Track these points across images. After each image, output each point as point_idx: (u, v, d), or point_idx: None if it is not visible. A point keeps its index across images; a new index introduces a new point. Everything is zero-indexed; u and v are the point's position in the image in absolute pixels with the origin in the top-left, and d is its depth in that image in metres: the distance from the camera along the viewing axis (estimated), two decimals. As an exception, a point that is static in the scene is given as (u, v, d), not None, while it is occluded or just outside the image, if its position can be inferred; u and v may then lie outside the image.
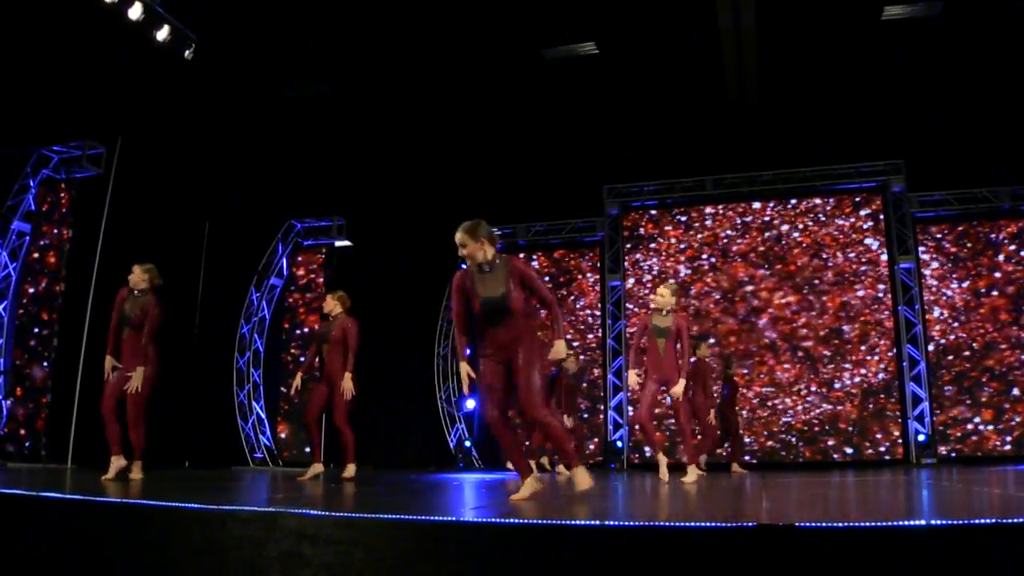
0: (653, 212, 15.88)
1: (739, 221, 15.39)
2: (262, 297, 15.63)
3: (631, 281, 15.63)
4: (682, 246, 15.53)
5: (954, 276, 14.51)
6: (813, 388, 14.49)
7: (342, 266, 15.82)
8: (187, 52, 12.66)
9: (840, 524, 2.84)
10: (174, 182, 13.76)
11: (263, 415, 15.24)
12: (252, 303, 15.59)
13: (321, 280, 15.79)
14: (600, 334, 15.60)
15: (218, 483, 7.40)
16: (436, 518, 3.24)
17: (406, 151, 15.25)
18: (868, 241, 14.86)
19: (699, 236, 15.49)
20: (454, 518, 3.26)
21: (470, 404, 15.83)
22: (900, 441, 14.10)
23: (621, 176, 15.63)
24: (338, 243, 15.80)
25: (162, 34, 12.15)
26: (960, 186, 14.47)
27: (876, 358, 14.43)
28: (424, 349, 15.66)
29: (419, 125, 14.85)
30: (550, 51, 13.37)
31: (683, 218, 15.68)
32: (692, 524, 2.90)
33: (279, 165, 15.47)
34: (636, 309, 15.37)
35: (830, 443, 14.28)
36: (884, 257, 14.80)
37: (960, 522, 2.85)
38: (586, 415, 15.21)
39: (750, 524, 2.90)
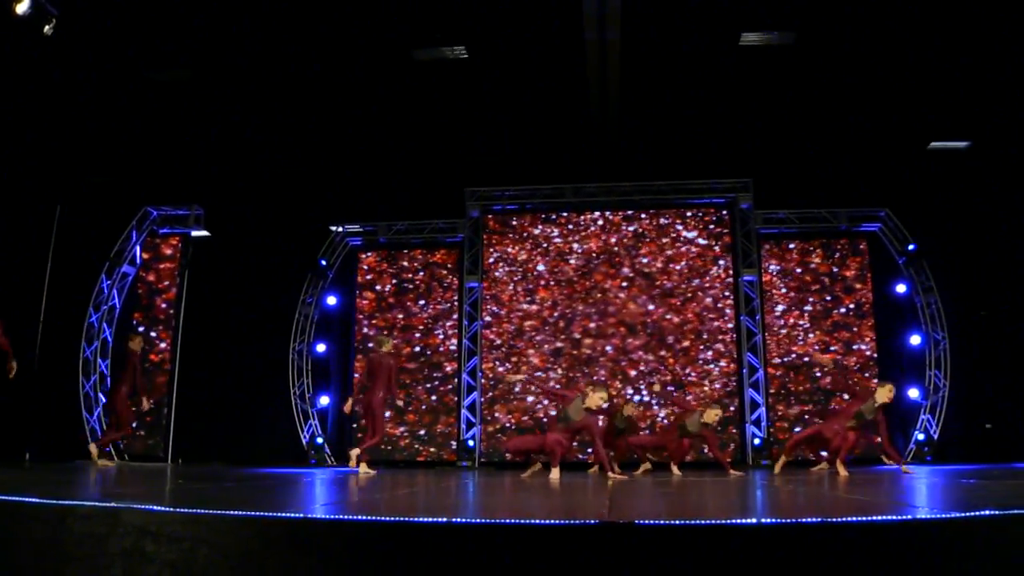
0: (512, 216, 16.03)
1: (596, 229, 15.74)
2: (113, 285, 15.18)
3: (497, 276, 15.72)
4: (539, 251, 15.75)
5: (791, 290, 15.26)
6: (652, 396, 14.91)
7: (199, 256, 15.49)
8: (47, 27, 12.06)
9: (677, 521, 2.95)
10: (25, 163, 13.09)
11: (109, 407, 14.65)
12: (102, 291, 15.04)
13: (176, 269, 15.29)
14: (457, 334, 15.63)
15: (59, 477, 7.10)
16: (284, 514, 3.20)
17: (268, 142, 15.05)
18: (715, 254, 15.45)
19: (556, 242, 15.76)
20: (302, 514, 3.22)
21: (323, 400, 15.63)
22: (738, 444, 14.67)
23: (483, 179, 15.95)
24: (195, 232, 15.57)
25: (22, 7, 11.53)
26: (802, 206, 15.27)
27: (719, 366, 15.01)
28: (280, 344, 15.45)
29: (283, 116, 14.64)
30: (420, 52, 13.32)
31: (541, 224, 15.90)
32: (535, 521, 2.97)
33: (137, 149, 14.93)
34: (496, 310, 15.52)
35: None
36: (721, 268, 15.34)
37: (789, 521, 3.00)
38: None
39: (593, 521, 2.98)
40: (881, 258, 15.79)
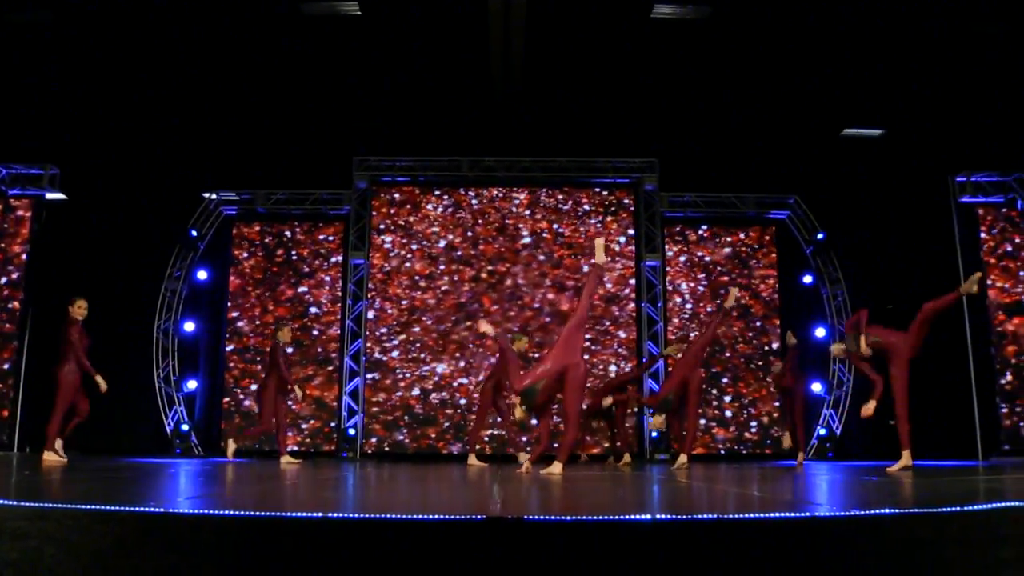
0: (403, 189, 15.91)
1: (494, 205, 15.78)
2: (-49, 252, 14.38)
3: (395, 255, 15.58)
4: (431, 227, 15.70)
5: (695, 278, 15.59)
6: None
7: (53, 222, 14.82)
8: None
9: (569, 517, 2.98)
10: None
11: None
12: (-61, 257, 14.31)
13: (26, 235, 14.68)
14: (340, 315, 15.47)
15: None
16: (143, 509, 3.12)
17: (136, 97, 14.45)
18: (617, 237, 15.66)
19: (451, 217, 15.73)
20: (163, 509, 3.14)
21: (191, 385, 15.28)
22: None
23: (373, 148, 15.66)
24: (50, 195, 14.81)
25: None
26: (710, 189, 15.58)
27: (619, 352, 15.23)
28: (143, 321, 15.00)
29: (153, 68, 14.08)
30: (308, 5, 13.06)
31: (436, 197, 15.83)
32: (417, 516, 2.96)
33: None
34: (383, 288, 15.46)
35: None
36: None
37: (684, 517, 3.07)
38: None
39: (479, 516, 3.00)
40: (789, 247, 15.98)
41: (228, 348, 15.50)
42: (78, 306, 10.86)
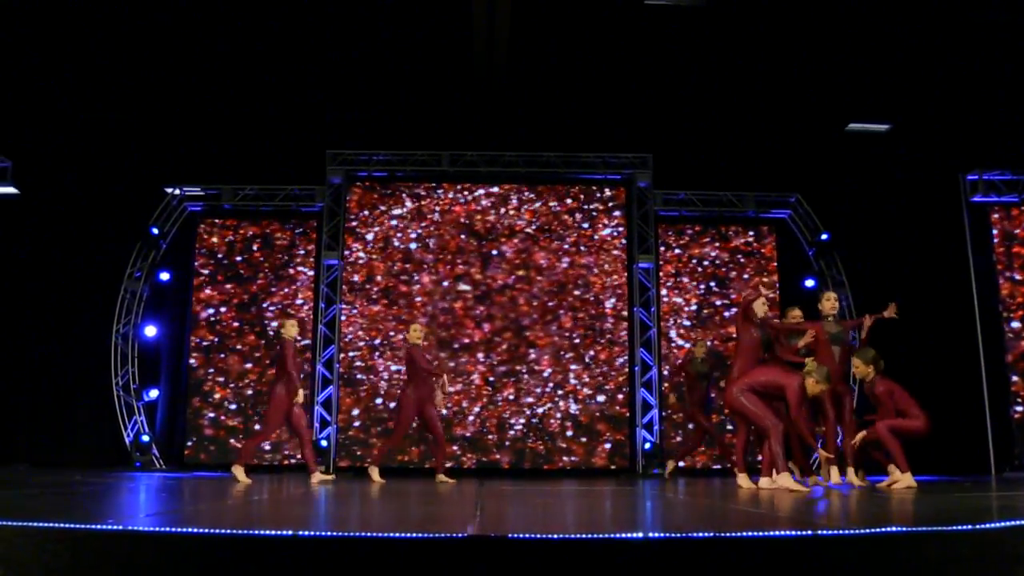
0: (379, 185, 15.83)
1: (475, 202, 15.70)
2: None
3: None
4: (410, 225, 15.61)
5: (691, 281, 15.55)
6: (539, 390, 15.02)
7: (5, 218, 14.70)
8: None
9: (555, 536, 2.98)
10: None
11: None
12: None
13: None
14: (311, 319, 15.36)
15: None
16: (99, 526, 3.10)
17: (95, 86, 14.32)
18: (608, 236, 15.59)
19: (432, 215, 15.65)
20: (121, 526, 3.12)
21: (153, 394, 15.16)
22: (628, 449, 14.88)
23: (348, 141, 15.53)
24: (1, 189, 14.66)
25: None
26: (706, 187, 15.53)
27: (610, 360, 15.18)
28: (101, 326, 14.82)
29: (113, 57, 13.96)
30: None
31: (413, 195, 15.75)
32: (394, 534, 2.95)
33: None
34: (358, 290, 15.36)
35: (554, 449, 14.85)
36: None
37: (678, 535, 3.07)
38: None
39: (461, 535, 2.99)
40: (790, 248, 15.79)
41: (192, 354, 15.38)
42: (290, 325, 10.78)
